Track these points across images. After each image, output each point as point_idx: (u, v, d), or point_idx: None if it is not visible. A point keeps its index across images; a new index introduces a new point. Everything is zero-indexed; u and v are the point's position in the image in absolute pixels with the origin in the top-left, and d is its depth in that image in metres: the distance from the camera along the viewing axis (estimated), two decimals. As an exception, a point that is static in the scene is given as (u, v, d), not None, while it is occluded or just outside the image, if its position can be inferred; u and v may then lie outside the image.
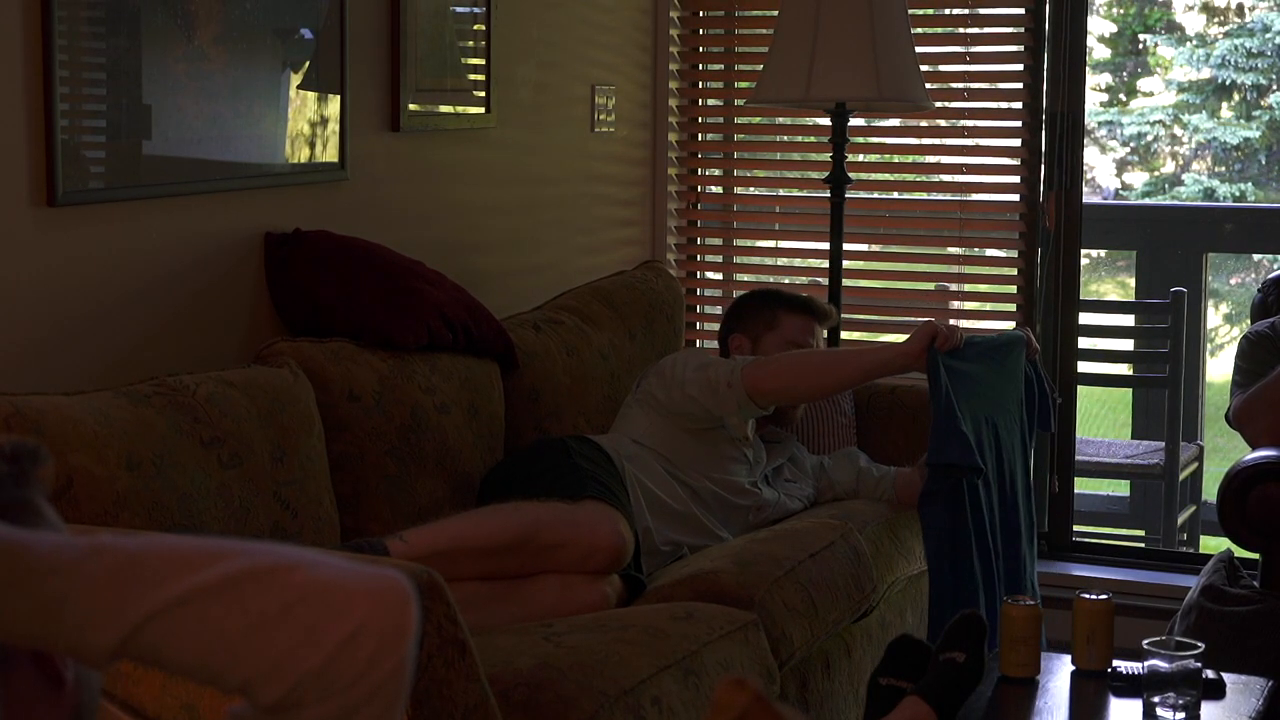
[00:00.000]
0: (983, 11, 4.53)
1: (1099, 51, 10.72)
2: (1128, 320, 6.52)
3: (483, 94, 3.96)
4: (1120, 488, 6.46)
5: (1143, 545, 5.52)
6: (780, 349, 3.76)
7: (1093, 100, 10.52)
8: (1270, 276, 4.18)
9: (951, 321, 4.74)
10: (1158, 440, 5.53)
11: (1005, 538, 3.45)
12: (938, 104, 4.50)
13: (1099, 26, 10.59)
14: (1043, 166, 4.47)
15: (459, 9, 3.89)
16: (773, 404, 3.57)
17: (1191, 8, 10.58)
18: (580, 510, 3.11)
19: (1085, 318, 4.85)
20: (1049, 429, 3.62)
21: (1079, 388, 4.63)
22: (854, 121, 4.34)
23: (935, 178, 4.74)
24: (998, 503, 3.44)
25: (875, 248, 4.81)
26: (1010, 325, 4.52)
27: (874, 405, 4.06)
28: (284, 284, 3.31)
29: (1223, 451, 6.21)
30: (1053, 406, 3.59)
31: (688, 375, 3.52)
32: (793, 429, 3.92)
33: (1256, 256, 9.02)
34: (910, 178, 5.03)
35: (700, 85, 4.86)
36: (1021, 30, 4.47)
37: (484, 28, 3.95)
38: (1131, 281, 7.33)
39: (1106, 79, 10.97)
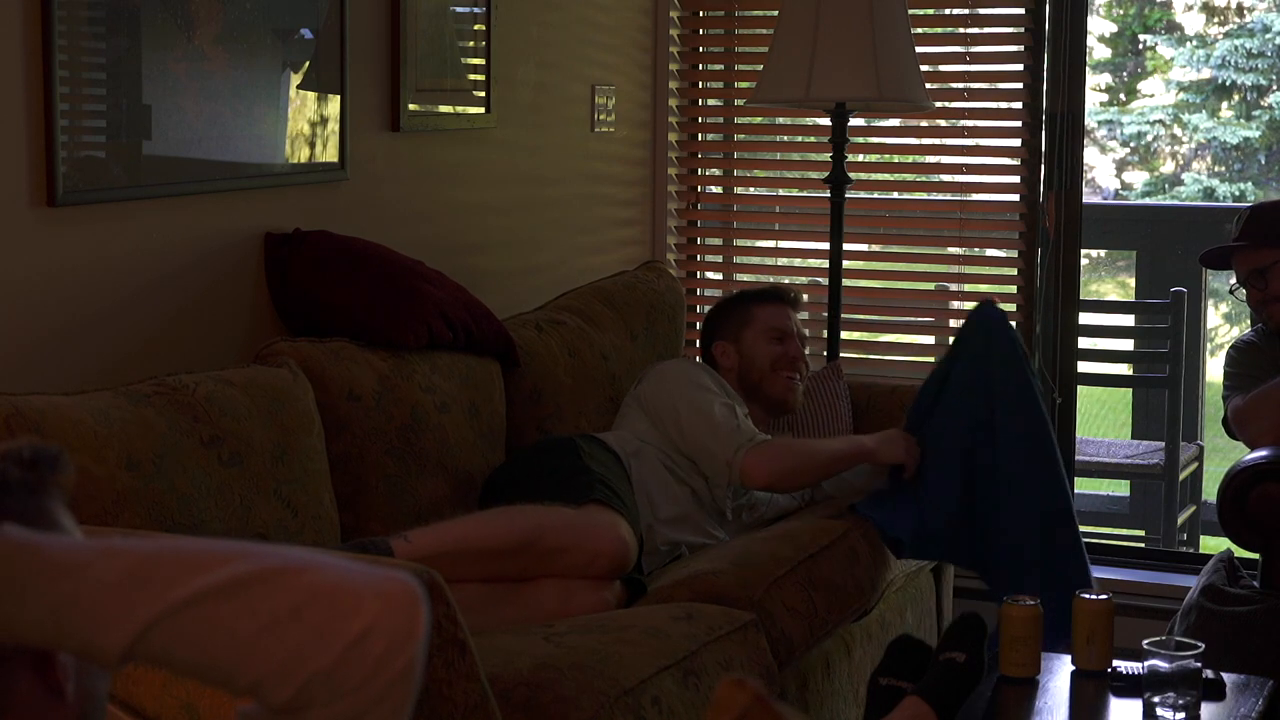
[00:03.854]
0: (983, 11, 4.53)
1: (1099, 51, 10.72)
2: (1128, 320, 6.51)
3: (483, 94, 3.96)
4: (1120, 488, 6.46)
5: (1143, 545, 5.52)
6: (762, 339, 3.79)
7: (1093, 100, 10.52)
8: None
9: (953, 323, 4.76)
10: (1158, 440, 5.53)
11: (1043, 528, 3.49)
12: (938, 104, 4.50)
13: (1099, 26, 10.59)
14: (1043, 166, 4.46)
15: (459, 9, 3.89)
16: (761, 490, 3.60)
17: (1191, 8, 10.58)
18: (585, 515, 3.10)
19: (1085, 318, 4.84)
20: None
21: (1079, 388, 4.63)
22: (854, 121, 4.33)
23: (935, 178, 4.74)
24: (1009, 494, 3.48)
25: (875, 248, 4.81)
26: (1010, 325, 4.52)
27: (873, 406, 4.06)
28: (284, 284, 3.31)
29: (1223, 451, 6.20)
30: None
31: (686, 425, 3.52)
32: (784, 425, 3.91)
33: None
34: (910, 178, 5.03)
35: (700, 85, 4.86)
36: (1021, 30, 4.47)
37: (484, 28, 3.95)
38: (1131, 281, 7.33)
39: (1106, 79, 10.96)
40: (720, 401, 3.57)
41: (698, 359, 4.00)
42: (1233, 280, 3.85)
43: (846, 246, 4.32)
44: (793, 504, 3.72)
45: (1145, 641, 2.68)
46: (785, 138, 5.23)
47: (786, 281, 4.76)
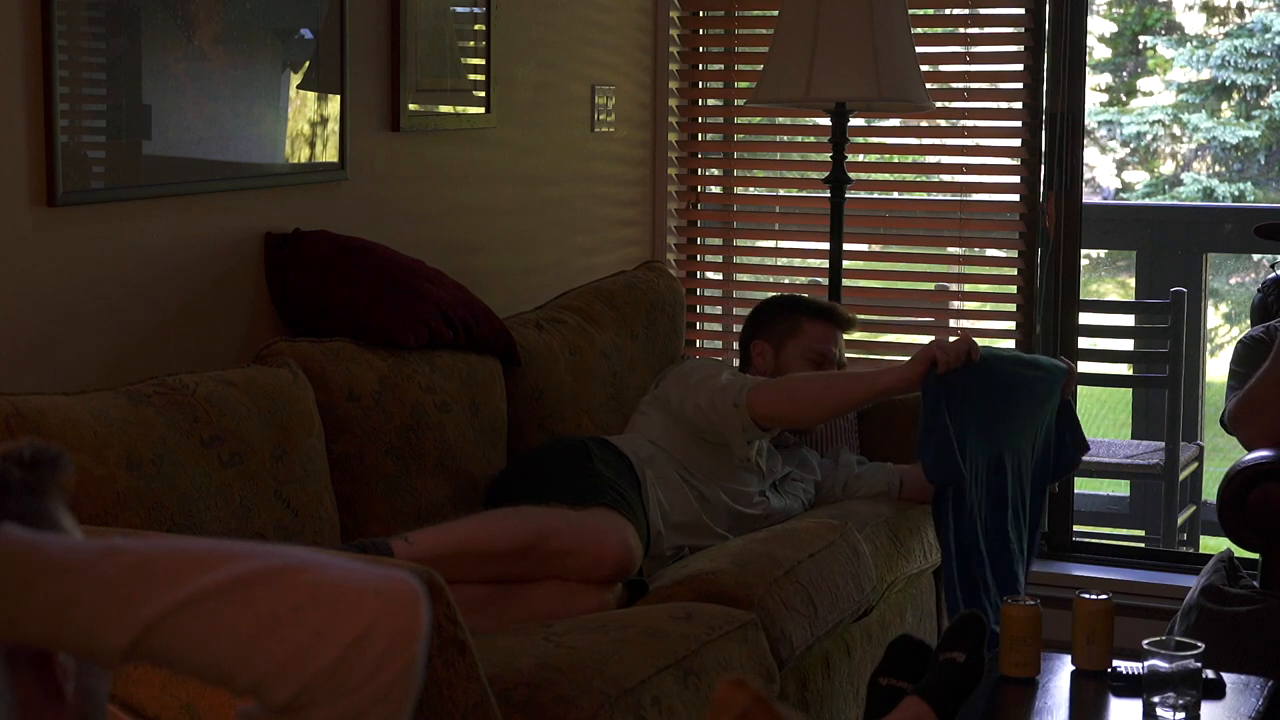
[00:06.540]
0: (983, 11, 4.53)
1: (1099, 51, 10.72)
2: (1128, 320, 6.51)
3: (483, 94, 3.95)
4: (1120, 488, 6.46)
5: (1143, 545, 5.52)
6: (802, 356, 3.77)
7: (1093, 100, 10.51)
8: (1270, 276, 4.18)
9: (962, 324, 4.75)
10: (1158, 440, 5.53)
11: (992, 551, 3.47)
12: (938, 104, 4.50)
13: (1099, 26, 10.59)
14: (1043, 167, 4.47)
15: (459, 9, 3.89)
16: (776, 427, 3.57)
17: (1191, 8, 10.58)
18: (589, 518, 3.09)
19: (1085, 318, 4.84)
20: (1065, 475, 3.61)
21: (1079, 388, 4.63)
22: (854, 121, 4.34)
23: (935, 178, 4.74)
24: (990, 521, 3.46)
25: (875, 248, 4.81)
26: (1010, 325, 4.52)
27: (875, 406, 4.05)
28: (284, 284, 3.31)
29: (1223, 451, 6.20)
30: (1075, 458, 3.60)
31: (701, 388, 3.51)
32: (809, 438, 3.91)
33: (1256, 256, 9.01)
34: (910, 178, 5.03)
35: (700, 85, 4.86)
36: (1021, 30, 4.47)
37: (484, 28, 3.95)
38: (1131, 281, 7.33)
39: (1106, 79, 10.97)
40: (729, 371, 3.60)
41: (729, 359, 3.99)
42: (1275, 258, 3.86)
43: (846, 246, 4.32)
44: (799, 506, 3.71)
45: (1145, 641, 2.68)
46: (785, 138, 5.23)
47: (786, 282, 4.77)
